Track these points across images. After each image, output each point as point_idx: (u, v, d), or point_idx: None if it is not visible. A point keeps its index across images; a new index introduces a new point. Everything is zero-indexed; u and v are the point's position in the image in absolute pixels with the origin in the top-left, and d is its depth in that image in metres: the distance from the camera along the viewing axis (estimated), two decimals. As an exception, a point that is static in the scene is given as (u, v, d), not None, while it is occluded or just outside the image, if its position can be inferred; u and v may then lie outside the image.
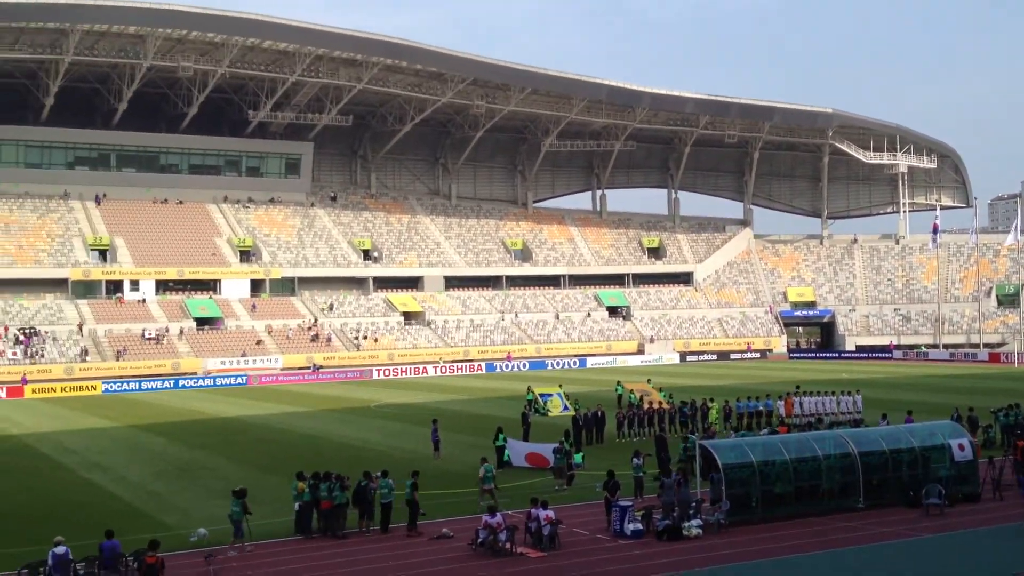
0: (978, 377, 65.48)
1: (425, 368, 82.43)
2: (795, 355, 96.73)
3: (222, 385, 74.05)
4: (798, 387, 44.93)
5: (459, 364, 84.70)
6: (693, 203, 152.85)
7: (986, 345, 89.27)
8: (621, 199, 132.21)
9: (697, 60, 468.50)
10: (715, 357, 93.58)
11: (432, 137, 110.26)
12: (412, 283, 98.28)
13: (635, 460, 26.44)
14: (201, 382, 74.59)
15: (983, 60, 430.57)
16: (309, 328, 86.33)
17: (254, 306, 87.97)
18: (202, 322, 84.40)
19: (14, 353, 73.95)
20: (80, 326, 79.23)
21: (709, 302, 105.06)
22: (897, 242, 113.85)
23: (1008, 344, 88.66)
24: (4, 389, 68.01)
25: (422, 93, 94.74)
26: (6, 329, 76.57)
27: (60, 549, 19.06)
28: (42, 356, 74.57)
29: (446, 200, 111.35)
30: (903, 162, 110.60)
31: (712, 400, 39.69)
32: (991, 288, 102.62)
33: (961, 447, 25.64)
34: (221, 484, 30.33)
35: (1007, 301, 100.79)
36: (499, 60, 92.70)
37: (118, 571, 19.46)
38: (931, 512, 23.62)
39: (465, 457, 33.66)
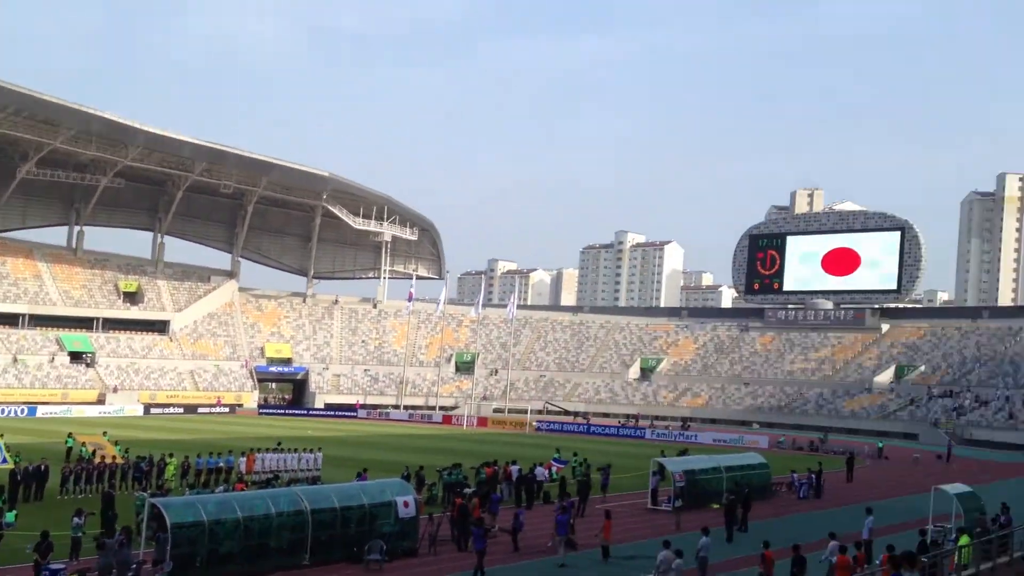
0: (432, 437, 70.47)
1: None
2: (265, 411, 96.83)
3: None
4: (281, 443, 44.95)
5: None
6: (180, 249, 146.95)
7: (441, 407, 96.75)
8: (101, 237, 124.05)
9: (211, 106, 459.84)
10: (182, 410, 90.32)
11: None
12: None
13: (75, 519, 24.57)
14: None
15: (459, 143, 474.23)
16: None
17: None
18: None
19: None
20: None
21: (184, 353, 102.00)
22: (375, 306, 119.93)
23: (460, 407, 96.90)
24: None
25: None
26: None
27: None
28: None
29: None
30: (388, 231, 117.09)
31: (171, 455, 38.30)
32: (451, 355, 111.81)
33: (406, 504, 27.20)
34: None
35: (464, 368, 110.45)
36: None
37: None
38: (371, 568, 24.70)
39: None
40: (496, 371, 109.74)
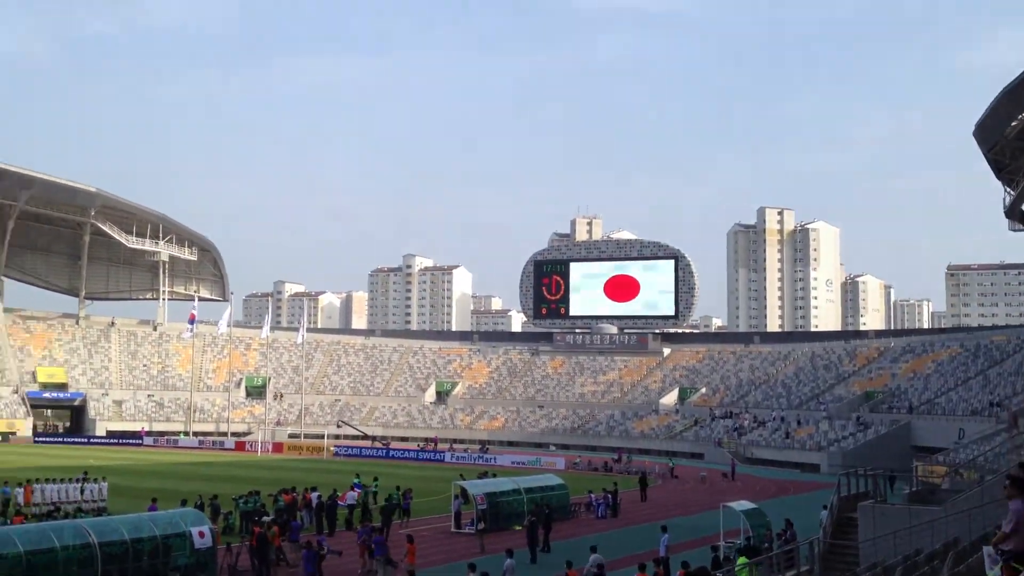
0: (225, 465, 68.03)
1: None
2: (41, 439, 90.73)
3: None
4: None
5: None
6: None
7: (234, 434, 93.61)
8: None
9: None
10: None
11: None
12: None
13: None
14: None
15: (251, 168, 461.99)
16: None
17: None
18: None
19: None
20: None
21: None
22: (155, 328, 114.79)
23: (253, 433, 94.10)
24: None
25: None
26: None
27: None
28: None
29: None
30: (165, 250, 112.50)
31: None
32: (241, 379, 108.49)
33: (201, 534, 26.18)
34: None
35: (255, 392, 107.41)
36: None
37: None
38: (169, 601, 23.60)
39: None
40: (280, 395, 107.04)
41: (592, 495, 44.01)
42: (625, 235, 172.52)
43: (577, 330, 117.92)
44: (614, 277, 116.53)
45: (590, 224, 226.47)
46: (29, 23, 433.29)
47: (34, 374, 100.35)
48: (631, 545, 27.79)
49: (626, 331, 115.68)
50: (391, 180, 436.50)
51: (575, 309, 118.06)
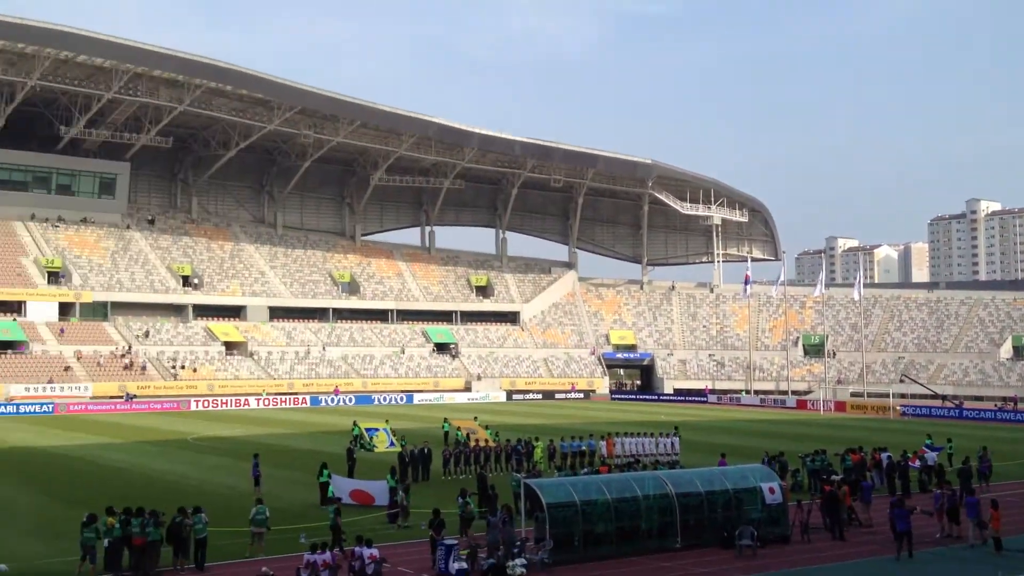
0: (786, 423, 68.67)
1: (247, 400, 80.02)
2: (617, 396, 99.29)
3: (26, 413, 69.79)
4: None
5: (283, 397, 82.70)
6: (520, 244, 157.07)
7: (794, 392, 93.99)
8: (450, 236, 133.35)
9: (527, 103, 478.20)
10: (540, 396, 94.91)
11: (258, 164, 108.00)
12: (234, 312, 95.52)
13: (460, 499, 26.35)
14: (3, 409, 69.94)
15: (797, 120, 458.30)
16: (122, 355, 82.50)
17: (62, 330, 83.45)
18: (4, 345, 79.33)
19: None
20: None
21: (535, 342, 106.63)
22: (711, 291, 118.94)
23: (814, 392, 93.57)
24: None
25: (247, 119, 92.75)
26: None
27: None
28: None
29: (271, 229, 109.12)
30: (717, 214, 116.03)
31: (537, 439, 40.07)
32: (798, 338, 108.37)
33: (772, 490, 26.59)
34: (25, 519, 28.57)
35: (813, 351, 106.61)
36: (327, 91, 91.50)
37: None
38: (744, 553, 24.42)
39: (287, 493, 32.79)
40: (834, 353, 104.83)
41: None
42: None
43: None
44: None
45: None
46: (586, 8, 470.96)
47: (607, 337, 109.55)
48: None
49: None
50: (948, 118, 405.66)
51: None
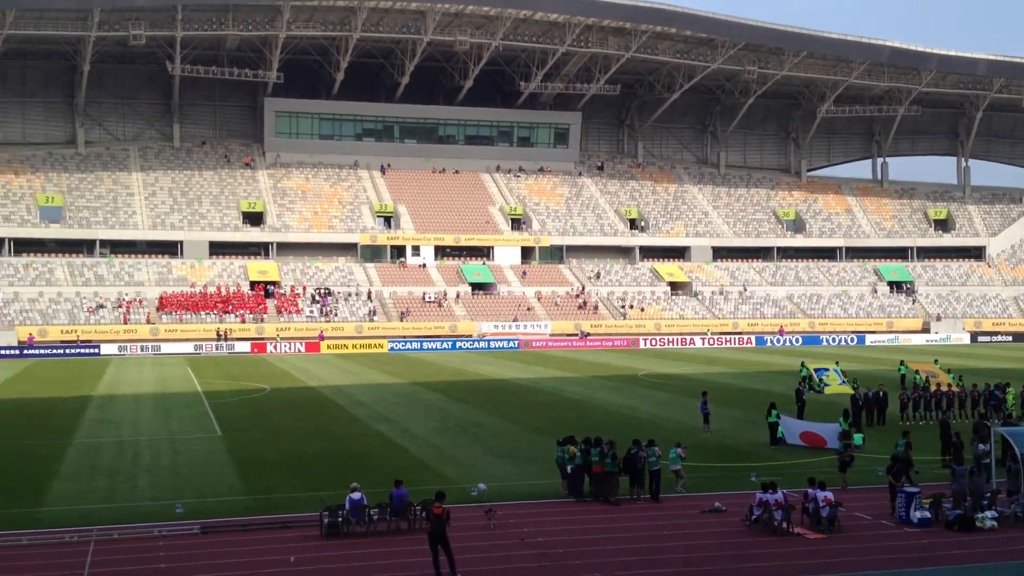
0: None
1: (692, 339, 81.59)
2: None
3: (495, 348, 76.89)
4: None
5: (727, 336, 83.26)
6: (986, 172, 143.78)
7: None
8: (903, 168, 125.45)
9: (989, 19, 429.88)
10: (1010, 339, 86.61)
11: (700, 105, 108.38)
12: (678, 253, 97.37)
13: (900, 441, 24.91)
14: (476, 344, 77.68)
15: None
16: (577, 295, 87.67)
17: (524, 273, 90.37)
18: (477, 287, 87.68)
19: (311, 311, 79.98)
20: (369, 293, 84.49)
21: (1004, 279, 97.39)
22: None
23: None
24: (303, 344, 74.24)
25: (691, 60, 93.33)
26: (304, 289, 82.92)
27: (356, 495, 20.48)
28: (335, 315, 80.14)
29: (714, 169, 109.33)
30: None
31: (1008, 385, 36.74)
32: None
33: None
34: (496, 442, 31.60)
35: None
36: (772, 24, 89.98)
37: (407, 519, 20.66)
38: None
39: (736, 432, 33.14)
40: None
41: None
42: None
43: None
44: None
45: None
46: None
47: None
48: None
49: None
50: None
51: None
